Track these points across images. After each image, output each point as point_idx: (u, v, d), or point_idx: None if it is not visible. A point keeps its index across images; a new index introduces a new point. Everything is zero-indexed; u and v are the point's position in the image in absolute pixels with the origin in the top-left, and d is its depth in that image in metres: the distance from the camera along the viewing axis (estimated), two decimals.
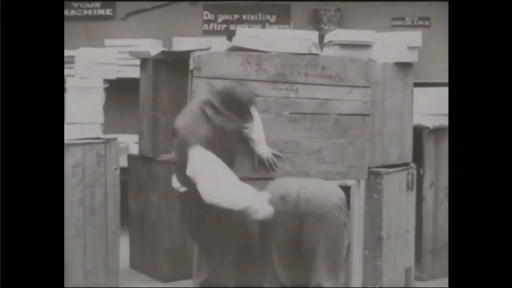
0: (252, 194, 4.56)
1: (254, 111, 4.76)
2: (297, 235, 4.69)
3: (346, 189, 5.10)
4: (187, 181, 4.61)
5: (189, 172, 4.54)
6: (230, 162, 4.68)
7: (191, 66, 5.21)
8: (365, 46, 5.57)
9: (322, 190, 4.76)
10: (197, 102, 4.76)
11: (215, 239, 4.71)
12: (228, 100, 4.64)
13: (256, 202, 4.55)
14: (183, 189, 4.73)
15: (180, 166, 4.63)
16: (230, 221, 4.66)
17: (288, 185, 4.76)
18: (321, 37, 5.97)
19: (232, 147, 4.80)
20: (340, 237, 4.74)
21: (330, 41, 5.65)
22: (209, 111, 4.62)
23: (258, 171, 5.14)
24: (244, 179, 4.90)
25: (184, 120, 4.69)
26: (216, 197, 4.49)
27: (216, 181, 4.51)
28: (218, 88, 4.73)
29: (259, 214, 4.56)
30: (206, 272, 4.82)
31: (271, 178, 5.10)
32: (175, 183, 4.79)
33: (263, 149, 5.10)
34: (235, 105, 4.64)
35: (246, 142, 5.07)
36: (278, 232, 4.67)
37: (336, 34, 5.61)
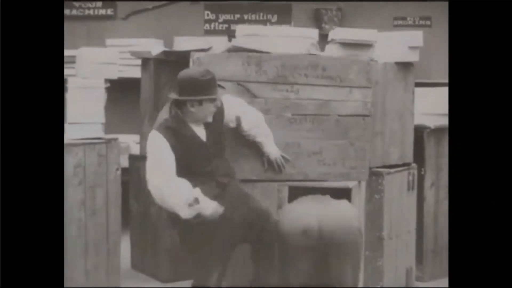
0: (185, 193, 4.52)
1: (215, 92, 4.67)
2: (320, 266, 4.65)
3: (347, 191, 5.11)
4: None
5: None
6: (203, 157, 4.69)
7: (191, 67, 5.21)
8: (367, 45, 5.57)
9: (343, 218, 4.69)
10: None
11: (201, 240, 4.70)
12: (183, 84, 4.63)
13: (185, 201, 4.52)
14: None
15: None
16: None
17: (308, 217, 4.65)
18: (323, 37, 5.96)
19: (196, 146, 4.73)
20: (361, 257, 4.77)
21: (332, 40, 5.64)
22: (173, 105, 4.68)
23: (267, 173, 5.12)
24: (248, 181, 4.95)
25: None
26: (150, 185, 4.55)
27: (155, 169, 4.54)
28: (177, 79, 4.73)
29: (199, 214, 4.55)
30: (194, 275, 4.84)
31: (277, 181, 5.12)
32: None
33: (271, 149, 5.11)
34: (191, 86, 4.60)
35: (248, 145, 5.08)
36: (299, 263, 4.63)
37: (338, 33, 5.61)
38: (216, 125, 4.78)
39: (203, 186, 4.61)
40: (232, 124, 4.98)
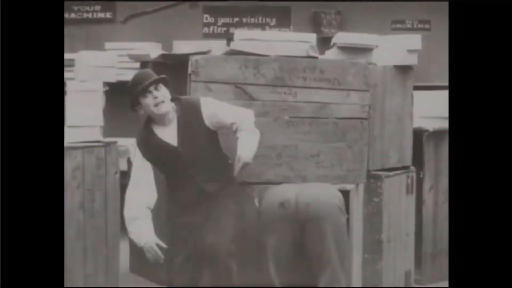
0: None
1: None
2: (298, 240, 4.68)
3: (345, 194, 5.11)
4: None
5: None
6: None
7: (189, 70, 5.21)
8: (366, 49, 5.57)
9: (321, 193, 4.76)
10: None
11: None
12: (131, 83, 4.72)
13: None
14: None
15: None
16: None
17: (286, 191, 4.76)
18: (322, 40, 5.97)
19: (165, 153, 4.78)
20: (344, 237, 4.77)
21: (334, 44, 5.64)
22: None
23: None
24: (245, 184, 4.95)
25: None
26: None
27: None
28: None
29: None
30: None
31: (269, 183, 5.11)
32: None
33: (241, 152, 4.72)
34: (129, 90, 4.70)
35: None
36: (277, 239, 4.66)
37: (338, 37, 5.61)
38: (191, 126, 4.74)
39: (181, 193, 4.65)
40: (214, 122, 4.81)
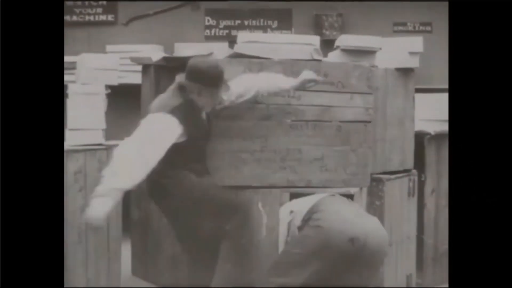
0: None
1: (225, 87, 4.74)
2: (343, 271, 4.67)
3: (349, 198, 5.11)
4: None
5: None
6: (201, 149, 4.77)
7: None
8: (370, 52, 5.57)
9: (382, 238, 4.77)
10: (170, 87, 4.83)
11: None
12: (193, 72, 4.69)
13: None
14: None
15: None
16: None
17: (357, 226, 4.67)
18: (323, 43, 5.97)
19: (204, 133, 4.80)
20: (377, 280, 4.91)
21: (337, 47, 5.64)
22: (180, 90, 4.71)
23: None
24: (249, 187, 4.95)
25: (155, 100, 4.79)
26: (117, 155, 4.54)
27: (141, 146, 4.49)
28: (187, 65, 4.78)
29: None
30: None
31: (279, 187, 5.12)
32: None
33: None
34: (201, 77, 4.66)
35: (249, 150, 5.08)
36: (322, 264, 4.64)
37: (342, 40, 5.61)
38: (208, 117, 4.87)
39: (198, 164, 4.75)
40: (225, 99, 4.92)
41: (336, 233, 4.59)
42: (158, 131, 4.57)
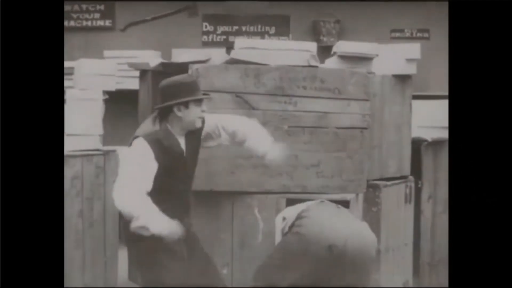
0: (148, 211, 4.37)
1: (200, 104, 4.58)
2: (324, 277, 4.66)
3: (346, 204, 5.11)
4: None
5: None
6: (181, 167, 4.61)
7: None
8: (367, 58, 5.58)
9: (365, 242, 4.70)
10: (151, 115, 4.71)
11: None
12: (167, 89, 4.54)
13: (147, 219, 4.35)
14: None
15: None
16: None
17: (336, 232, 4.62)
18: (321, 49, 5.98)
19: (179, 164, 4.62)
20: (366, 285, 4.84)
21: (334, 53, 5.64)
22: (159, 116, 4.56)
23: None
24: (246, 193, 4.94)
25: (140, 126, 4.66)
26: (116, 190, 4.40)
27: (130, 175, 4.38)
28: (159, 88, 4.65)
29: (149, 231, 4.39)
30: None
31: (275, 193, 5.11)
32: None
33: (263, 149, 4.78)
34: (176, 90, 4.50)
35: (245, 156, 5.07)
36: (302, 270, 4.63)
37: (341, 46, 5.61)
38: (195, 139, 4.69)
39: (177, 201, 4.59)
40: (215, 136, 4.81)
41: (315, 240, 4.57)
42: (135, 155, 4.47)
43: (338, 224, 4.65)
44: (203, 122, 4.65)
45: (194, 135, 4.67)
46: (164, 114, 4.55)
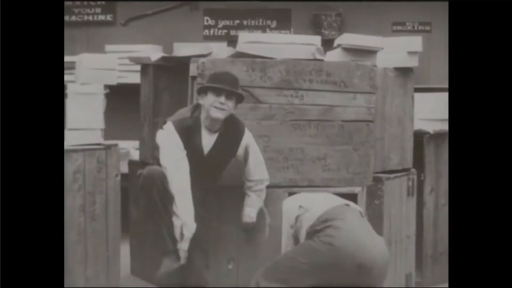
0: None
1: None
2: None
3: (353, 197, 5.10)
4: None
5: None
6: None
7: (191, 72, 5.20)
8: (371, 51, 5.57)
9: (386, 263, 4.63)
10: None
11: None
12: (216, 75, 4.80)
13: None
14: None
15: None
16: None
17: (367, 252, 4.50)
18: (322, 42, 5.96)
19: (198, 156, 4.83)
20: None
21: (338, 45, 5.63)
22: (195, 107, 4.83)
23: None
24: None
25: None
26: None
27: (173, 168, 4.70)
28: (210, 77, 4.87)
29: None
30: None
31: (281, 187, 5.14)
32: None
33: (249, 211, 5.10)
34: (216, 78, 4.75)
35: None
36: (322, 281, 4.56)
37: (344, 39, 5.60)
38: (231, 143, 4.89)
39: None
40: (240, 158, 5.01)
41: (347, 256, 4.46)
42: (166, 140, 4.75)
43: (368, 241, 4.57)
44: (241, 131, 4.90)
45: (230, 139, 4.86)
46: (198, 107, 4.83)
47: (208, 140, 4.81)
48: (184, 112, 4.85)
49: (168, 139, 4.74)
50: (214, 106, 4.70)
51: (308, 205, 4.76)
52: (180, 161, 4.71)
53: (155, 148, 4.85)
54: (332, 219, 4.59)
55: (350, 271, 4.45)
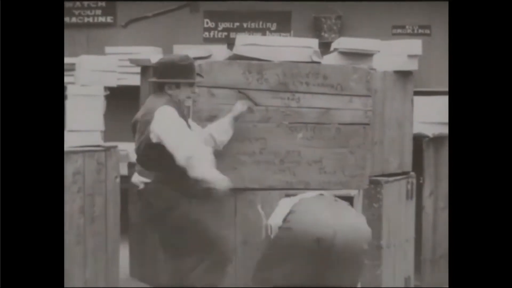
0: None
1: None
2: (316, 271, 4.63)
3: (349, 199, 5.10)
4: (152, 164, 4.79)
5: (156, 129, 4.66)
6: None
7: None
8: (368, 55, 5.57)
9: (356, 235, 4.65)
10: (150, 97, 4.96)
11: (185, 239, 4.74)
12: (162, 67, 4.82)
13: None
14: (142, 184, 4.87)
15: (143, 149, 4.82)
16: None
17: (325, 225, 4.57)
18: (322, 45, 5.98)
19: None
20: (359, 277, 4.80)
21: (335, 49, 5.64)
22: (159, 90, 4.83)
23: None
24: (248, 190, 4.95)
25: (141, 109, 4.95)
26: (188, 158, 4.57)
27: (189, 140, 4.64)
28: (159, 64, 4.91)
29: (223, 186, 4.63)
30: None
31: (278, 189, 5.11)
32: (135, 177, 4.90)
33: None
34: (177, 69, 4.78)
35: (248, 153, 5.08)
36: (293, 265, 4.59)
37: (342, 42, 5.61)
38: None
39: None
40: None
41: (302, 234, 4.52)
42: (174, 117, 4.69)
43: (329, 217, 4.61)
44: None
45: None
46: (159, 91, 4.85)
47: None
48: (157, 98, 4.81)
49: (174, 113, 4.69)
50: (188, 97, 4.90)
51: (283, 207, 4.83)
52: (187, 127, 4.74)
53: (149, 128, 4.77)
54: (293, 207, 4.73)
55: (310, 248, 4.48)
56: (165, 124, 4.66)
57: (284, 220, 4.74)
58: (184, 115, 4.78)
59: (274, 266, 4.69)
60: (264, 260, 4.80)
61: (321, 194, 4.93)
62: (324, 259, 4.57)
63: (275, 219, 4.81)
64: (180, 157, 4.57)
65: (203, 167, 4.59)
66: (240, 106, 5.01)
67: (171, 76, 4.78)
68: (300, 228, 4.59)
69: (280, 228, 4.72)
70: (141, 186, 4.89)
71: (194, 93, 4.89)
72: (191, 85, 4.84)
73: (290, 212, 4.73)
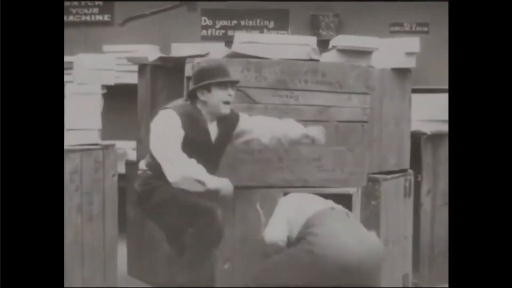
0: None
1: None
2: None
3: (348, 197, 5.10)
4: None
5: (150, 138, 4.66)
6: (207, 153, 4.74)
7: (187, 72, 5.20)
8: (366, 52, 5.57)
9: (377, 259, 4.56)
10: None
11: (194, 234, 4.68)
12: (199, 71, 4.76)
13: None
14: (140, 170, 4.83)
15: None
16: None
17: (350, 253, 4.44)
18: (320, 43, 5.97)
19: (204, 139, 4.76)
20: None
21: (333, 47, 5.64)
22: (189, 95, 4.76)
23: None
24: (247, 188, 4.93)
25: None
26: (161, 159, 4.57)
27: (165, 143, 4.58)
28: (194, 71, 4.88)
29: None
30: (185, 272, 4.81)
31: (276, 187, 5.10)
32: (141, 164, 4.88)
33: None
34: (207, 72, 4.71)
35: (247, 151, 5.07)
36: (307, 281, 4.54)
37: (340, 40, 5.61)
38: (228, 130, 4.86)
39: None
40: (241, 138, 4.99)
41: (329, 261, 4.40)
42: (163, 125, 4.65)
43: (353, 244, 4.50)
44: (236, 116, 4.88)
45: (228, 127, 4.84)
46: (192, 99, 4.74)
47: (211, 129, 4.79)
48: (180, 101, 4.81)
49: (165, 121, 4.64)
50: (224, 101, 4.71)
51: (298, 211, 4.75)
52: (178, 137, 4.63)
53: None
54: (312, 226, 4.59)
55: (335, 274, 4.44)
56: (154, 135, 4.66)
57: (303, 238, 4.66)
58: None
59: (284, 275, 4.62)
60: (273, 266, 4.70)
61: (332, 208, 4.81)
62: (345, 284, 4.52)
63: (278, 232, 4.74)
64: (170, 180, 4.57)
65: (196, 186, 4.56)
66: (317, 132, 4.99)
67: (200, 81, 4.70)
68: (324, 254, 4.47)
69: (298, 244, 4.61)
70: (139, 172, 4.88)
71: (231, 95, 4.73)
72: (224, 88, 4.71)
73: (310, 231, 4.57)
